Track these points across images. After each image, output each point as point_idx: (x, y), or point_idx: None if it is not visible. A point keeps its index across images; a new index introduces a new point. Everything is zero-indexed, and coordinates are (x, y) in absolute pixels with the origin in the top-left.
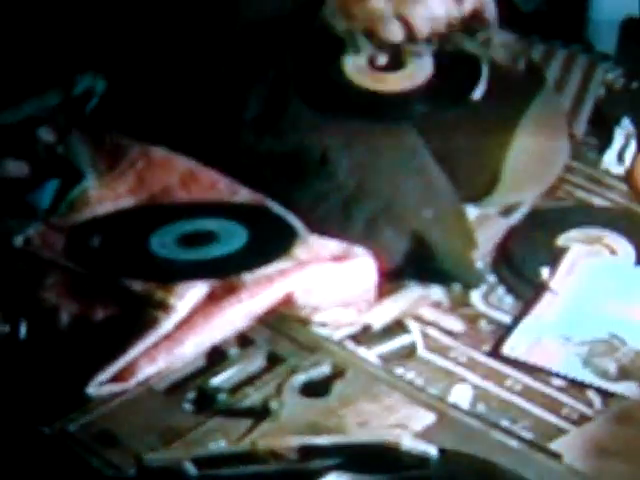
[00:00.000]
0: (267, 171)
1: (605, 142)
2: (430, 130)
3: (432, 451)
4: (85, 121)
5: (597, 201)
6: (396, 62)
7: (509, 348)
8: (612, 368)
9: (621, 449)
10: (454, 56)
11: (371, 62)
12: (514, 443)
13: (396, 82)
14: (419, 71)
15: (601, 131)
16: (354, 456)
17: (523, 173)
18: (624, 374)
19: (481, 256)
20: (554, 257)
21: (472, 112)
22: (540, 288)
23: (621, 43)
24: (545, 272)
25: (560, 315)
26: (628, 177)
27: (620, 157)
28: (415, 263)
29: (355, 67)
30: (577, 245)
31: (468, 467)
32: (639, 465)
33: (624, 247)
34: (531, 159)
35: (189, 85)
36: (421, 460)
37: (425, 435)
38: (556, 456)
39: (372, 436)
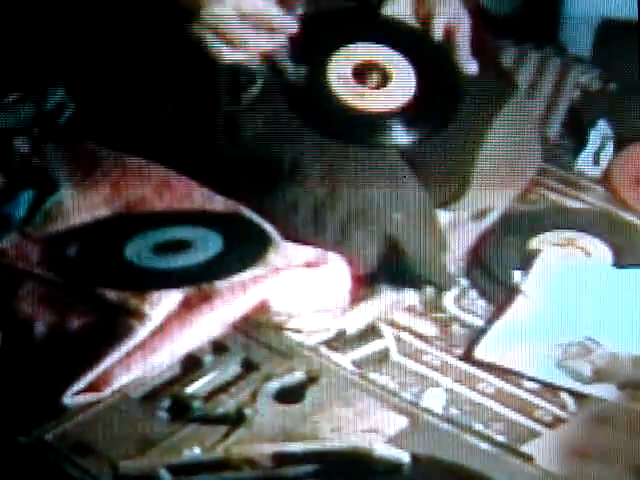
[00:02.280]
0: (239, 178)
1: (580, 144)
2: None
3: (405, 457)
4: (59, 132)
5: (571, 203)
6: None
7: (482, 352)
8: (586, 370)
9: (596, 451)
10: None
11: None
12: (487, 446)
13: (378, 101)
14: (402, 88)
15: (576, 133)
16: (328, 463)
17: (493, 177)
18: (599, 376)
19: (454, 260)
20: (527, 260)
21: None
22: (513, 291)
23: (596, 45)
24: (517, 275)
25: (533, 318)
26: (605, 179)
27: (595, 159)
28: (387, 267)
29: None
30: (550, 248)
31: (441, 472)
32: (614, 467)
33: (599, 249)
34: (501, 163)
35: (160, 94)
36: (394, 466)
37: (398, 439)
38: (529, 459)
39: (345, 443)
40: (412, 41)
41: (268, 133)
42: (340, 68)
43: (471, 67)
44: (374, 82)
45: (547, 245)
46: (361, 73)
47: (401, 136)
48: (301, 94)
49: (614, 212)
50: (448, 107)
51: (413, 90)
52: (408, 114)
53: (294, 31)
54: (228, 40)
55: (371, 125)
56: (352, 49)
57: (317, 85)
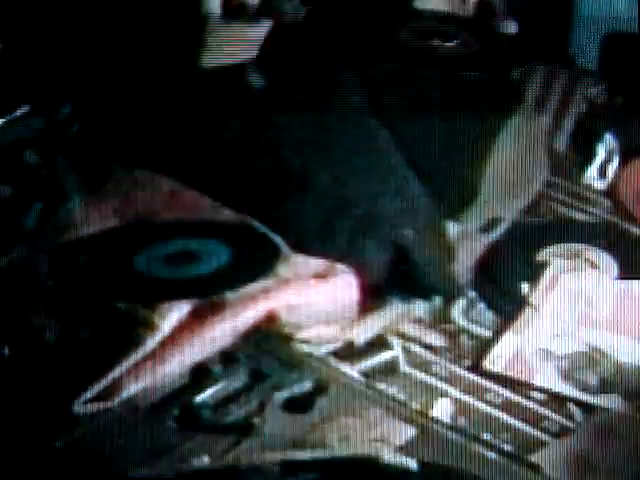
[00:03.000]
0: (248, 189)
1: (587, 157)
2: (409, 142)
3: (412, 464)
4: (69, 144)
5: (579, 216)
6: None
7: (490, 362)
8: (593, 381)
9: (602, 461)
10: None
11: None
12: (494, 456)
13: None
14: None
15: (583, 146)
16: (336, 471)
17: (501, 187)
18: (605, 387)
19: (462, 272)
20: (535, 272)
21: (451, 126)
22: (520, 303)
23: (603, 59)
24: (525, 287)
25: (540, 329)
26: (611, 192)
27: (602, 172)
28: (396, 276)
29: None
30: (557, 260)
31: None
32: (620, 477)
33: (605, 261)
34: (509, 174)
35: (169, 106)
36: (402, 473)
37: (406, 449)
38: (536, 468)
39: (353, 450)
40: None
41: (276, 143)
42: None
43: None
44: None
45: (555, 257)
46: None
47: None
48: None
49: (620, 225)
50: None
51: None
52: None
53: None
54: None
55: None
56: None
57: None
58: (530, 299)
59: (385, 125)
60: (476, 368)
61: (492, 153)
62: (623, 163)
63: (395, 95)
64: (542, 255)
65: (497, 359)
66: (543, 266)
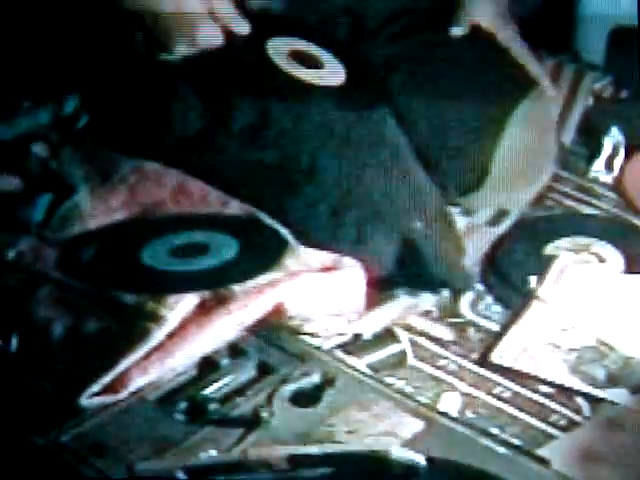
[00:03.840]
0: (256, 181)
1: (593, 151)
2: (418, 128)
3: (421, 460)
4: (77, 137)
5: (586, 210)
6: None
7: (498, 356)
8: (601, 375)
9: (610, 455)
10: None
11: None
12: (502, 449)
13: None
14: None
15: (589, 140)
16: (344, 465)
17: (511, 170)
18: (613, 380)
19: (470, 265)
20: (542, 266)
21: (460, 110)
22: (528, 297)
23: (609, 52)
24: (533, 281)
25: (548, 323)
26: (617, 185)
27: (608, 166)
28: (405, 269)
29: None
30: (565, 253)
31: (457, 475)
32: (628, 471)
33: (613, 255)
34: (520, 157)
35: (175, 98)
36: (410, 469)
37: (414, 442)
38: (544, 462)
39: (361, 445)
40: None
41: (284, 134)
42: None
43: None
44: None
45: (562, 251)
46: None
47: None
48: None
49: (627, 218)
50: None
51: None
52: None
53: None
54: None
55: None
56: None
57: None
58: (538, 292)
59: (392, 112)
60: (484, 362)
61: (502, 138)
62: (629, 156)
63: (403, 79)
64: (549, 248)
65: (505, 353)
66: (551, 259)
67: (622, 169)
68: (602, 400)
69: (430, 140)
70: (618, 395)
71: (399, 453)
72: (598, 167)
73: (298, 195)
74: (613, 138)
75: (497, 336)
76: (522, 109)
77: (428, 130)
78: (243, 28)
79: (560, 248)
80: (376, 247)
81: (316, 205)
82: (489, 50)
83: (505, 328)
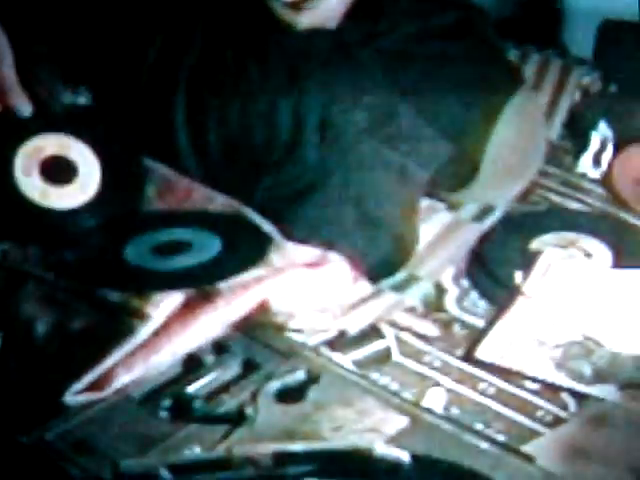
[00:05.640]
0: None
1: (581, 146)
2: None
3: (404, 457)
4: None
5: (573, 205)
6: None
7: (482, 352)
8: (587, 371)
9: (597, 451)
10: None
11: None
12: (487, 446)
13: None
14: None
15: (577, 135)
16: (328, 462)
17: (501, 166)
18: (600, 377)
19: (455, 260)
20: (528, 261)
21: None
22: (513, 292)
23: (598, 46)
24: (518, 276)
25: (534, 318)
26: (605, 181)
27: (596, 161)
28: (389, 267)
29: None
30: (551, 249)
31: (441, 472)
32: (614, 467)
33: (600, 250)
34: (509, 153)
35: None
36: (394, 465)
37: (398, 439)
38: (529, 459)
39: (346, 442)
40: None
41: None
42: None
43: None
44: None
45: (548, 246)
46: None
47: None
48: None
49: (615, 213)
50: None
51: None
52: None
53: None
54: None
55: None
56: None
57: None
58: (523, 288)
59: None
60: (469, 357)
61: (492, 134)
62: (617, 151)
63: (393, 72)
64: (535, 244)
65: (490, 349)
66: (536, 255)
67: (610, 164)
68: (588, 396)
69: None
70: (605, 391)
71: (383, 450)
72: (585, 162)
73: (282, 192)
74: (601, 133)
75: (482, 332)
76: (512, 105)
77: (416, 125)
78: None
79: (546, 243)
80: (360, 245)
81: (300, 202)
82: (478, 46)
83: (490, 324)
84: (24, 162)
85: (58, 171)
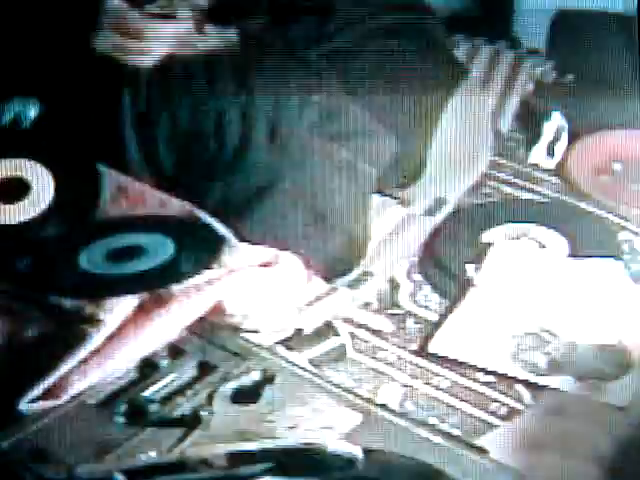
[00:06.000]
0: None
1: (533, 137)
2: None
3: (357, 452)
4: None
5: (525, 195)
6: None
7: (436, 345)
8: (542, 362)
9: (553, 442)
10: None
11: None
12: (441, 440)
13: (19, 212)
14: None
15: (529, 126)
16: (283, 460)
17: (446, 165)
18: (555, 368)
19: (408, 255)
20: (480, 254)
21: (393, 100)
22: (466, 285)
23: (552, 37)
24: (471, 269)
25: (487, 311)
26: (560, 170)
27: (550, 151)
28: (342, 264)
29: None
30: (503, 241)
31: (395, 466)
32: (571, 457)
33: (554, 240)
34: (454, 151)
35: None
36: (348, 461)
37: (352, 435)
38: (483, 451)
39: (299, 440)
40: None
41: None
42: None
43: None
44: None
45: (500, 238)
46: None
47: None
48: None
49: (569, 202)
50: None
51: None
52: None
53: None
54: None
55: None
56: None
57: None
58: (476, 281)
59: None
60: (422, 351)
61: (437, 130)
62: (573, 140)
63: (341, 70)
64: (488, 236)
65: (443, 341)
66: (488, 247)
67: (566, 154)
68: (544, 388)
69: (367, 132)
70: (561, 382)
71: (335, 446)
72: (538, 153)
73: (234, 193)
74: (554, 123)
75: (435, 325)
76: (455, 99)
77: (364, 122)
78: None
79: (498, 235)
80: (313, 244)
81: (252, 202)
82: (423, 43)
83: (443, 317)
84: None
85: (10, 189)
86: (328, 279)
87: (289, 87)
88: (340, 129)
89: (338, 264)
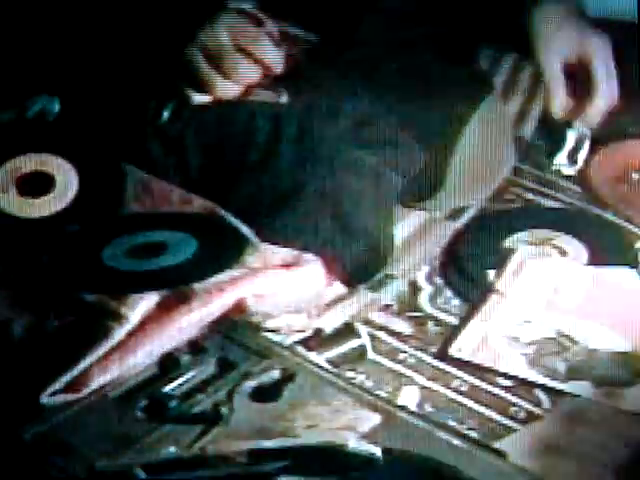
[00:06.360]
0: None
1: (556, 144)
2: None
3: (377, 452)
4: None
5: (547, 203)
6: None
7: (456, 350)
8: (561, 368)
9: (570, 448)
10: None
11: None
12: (460, 443)
13: (44, 206)
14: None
15: (552, 133)
16: (302, 458)
17: (468, 175)
18: (574, 373)
19: (429, 259)
20: (501, 259)
21: (418, 112)
22: (486, 290)
23: None
24: (491, 274)
25: (507, 316)
26: (581, 179)
27: (572, 159)
28: (364, 266)
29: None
30: (525, 247)
31: (414, 466)
32: (588, 464)
33: (575, 248)
34: (476, 162)
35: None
36: (367, 461)
37: (372, 436)
38: (501, 455)
39: (319, 438)
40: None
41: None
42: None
43: None
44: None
45: (522, 244)
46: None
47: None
48: None
49: (590, 211)
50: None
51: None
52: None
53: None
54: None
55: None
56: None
57: None
58: (496, 286)
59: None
60: (442, 355)
61: (460, 141)
62: (593, 149)
63: (373, 82)
64: (509, 242)
65: (463, 346)
66: (510, 253)
67: (587, 162)
68: (562, 393)
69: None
70: (579, 388)
71: (355, 445)
72: (561, 160)
73: (258, 193)
74: (577, 131)
75: (456, 330)
76: (478, 113)
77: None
78: None
79: (520, 241)
80: (335, 246)
81: (274, 203)
82: (449, 56)
83: (464, 322)
84: (1, 181)
85: (35, 184)
86: (349, 285)
87: (320, 92)
88: (370, 137)
89: (360, 271)
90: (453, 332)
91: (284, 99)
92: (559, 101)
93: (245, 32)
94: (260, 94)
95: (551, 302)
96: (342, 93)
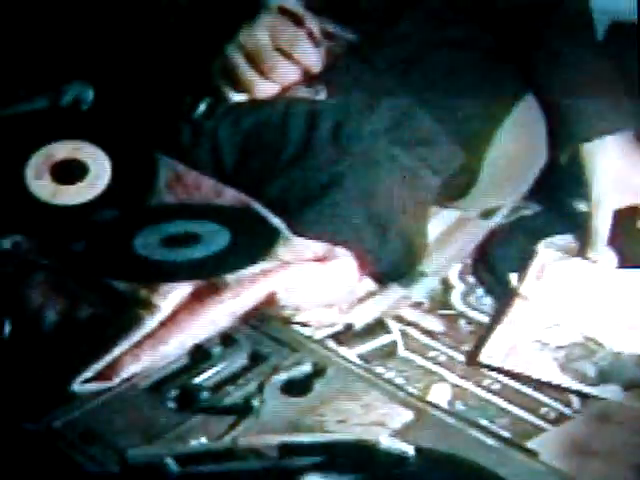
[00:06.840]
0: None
1: None
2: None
3: (409, 450)
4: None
5: (579, 206)
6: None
7: (486, 356)
8: (591, 372)
9: (600, 448)
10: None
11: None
12: (491, 441)
13: (77, 193)
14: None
15: None
16: (333, 454)
17: (501, 176)
18: (603, 377)
19: (461, 257)
20: (528, 261)
21: (454, 111)
22: (514, 293)
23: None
24: (514, 278)
25: (534, 320)
26: None
27: None
28: (396, 262)
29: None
30: (552, 249)
31: (445, 465)
32: (617, 464)
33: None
34: (510, 163)
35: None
36: (399, 458)
37: (403, 433)
38: (533, 454)
39: (351, 435)
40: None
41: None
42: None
43: None
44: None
45: (550, 246)
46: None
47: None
48: None
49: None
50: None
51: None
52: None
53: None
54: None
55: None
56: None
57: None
58: (522, 289)
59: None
60: (473, 362)
61: (495, 141)
62: None
63: (411, 79)
64: (540, 244)
65: (493, 353)
66: (537, 255)
67: None
68: (593, 397)
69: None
70: (609, 392)
71: (388, 443)
72: None
73: (290, 186)
74: None
75: (487, 329)
76: (512, 115)
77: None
78: None
79: (551, 244)
80: (367, 241)
81: (307, 197)
82: (486, 57)
83: (492, 326)
84: (35, 168)
85: (68, 171)
86: (381, 283)
87: (358, 89)
88: (406, 136)
89: (393, 269)
90: (482, 338)
91: (322, 96)
92: (599, 248)
93: (285, 32)
94: (298, 90)
95: (579, 306)
96: (380, 90)
